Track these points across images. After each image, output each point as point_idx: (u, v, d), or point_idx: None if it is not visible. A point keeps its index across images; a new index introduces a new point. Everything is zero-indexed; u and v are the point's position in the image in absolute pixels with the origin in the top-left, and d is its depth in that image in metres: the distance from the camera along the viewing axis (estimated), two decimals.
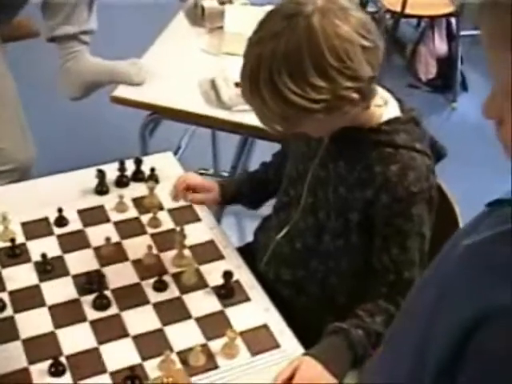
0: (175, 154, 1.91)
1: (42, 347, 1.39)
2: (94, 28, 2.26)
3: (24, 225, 1.66)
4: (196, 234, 1.68)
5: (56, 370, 1.35)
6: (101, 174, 1.77)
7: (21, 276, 1.54)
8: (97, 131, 3.10)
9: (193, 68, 2.22)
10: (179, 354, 1.40)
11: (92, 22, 2.27)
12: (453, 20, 3.82)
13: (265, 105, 1.29)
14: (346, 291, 1.51)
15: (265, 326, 1.48)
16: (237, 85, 2.04)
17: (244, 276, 1.58)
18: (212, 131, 2.87)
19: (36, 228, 1.66)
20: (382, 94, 1.41)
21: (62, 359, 1.37)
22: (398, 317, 1.06)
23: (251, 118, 2.01)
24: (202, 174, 2.96)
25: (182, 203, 1.73)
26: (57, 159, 2.29)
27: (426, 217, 1.40)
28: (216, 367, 1.39)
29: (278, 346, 1.44)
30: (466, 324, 0.78)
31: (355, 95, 1.28)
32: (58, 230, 1.66)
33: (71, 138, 2.93)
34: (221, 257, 1.63)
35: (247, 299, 1.53)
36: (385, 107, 1.41)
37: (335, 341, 1.39)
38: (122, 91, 2.14)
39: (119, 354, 1.40)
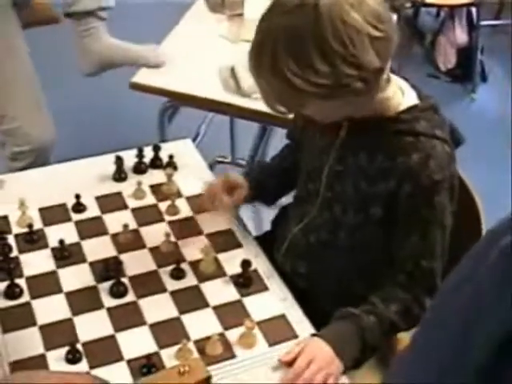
0: (193, 141, 1.90)
1: (58, 334, 1.39)
2: (112, 4, 2.24)
3: (42, 211, 1.65)
4: (214, 222, 1.67)
5: (72, 357, 1.34)
6: (119, 161, 1.76)
7: (38, 262, 1.54)
8: (116, 118, 3.09)
9: (212, 55, 2.20)
10: (196, 342, 1.39)
11: None
12: (473, 9, 3.79)
13: (267, 82, 1.28)
14: (364, 285, 1.49)
15: (282, 316, 1.46)
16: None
17: (262, 265, 1.57)
18: (230, 119, 2.85)
19: (54, 214, 1.65)
20: (398, 83, 1.40)
21: (79, 346, 1.36)
22: (426, 322, 1.00)
23: None
24: (219, 162, 2.95)
25: (199, 189, 1.72)
26: (75, 146, 2.28)
27: (447, 206, 1.39)
28: (233, 357, 1.38)
29: (295, 336, 1.43)
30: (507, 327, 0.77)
31: (359, 84, 1.25)
32: (75, 217, 1.65)
33: (90, 124, 2.93)
34: (239, 246, 1.62)
35: (265, 289, 1.52)
36: (402, 96, 1.39)
37: (344, 325, 1.39)
38: (141, 77, 2.12)
39: (136, 342, 1.39)
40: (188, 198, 1.71)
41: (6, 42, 2.16)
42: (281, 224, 1.69)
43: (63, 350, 1.35)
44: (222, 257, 1.58)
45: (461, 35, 3.86)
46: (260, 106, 2.01)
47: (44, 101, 2.28)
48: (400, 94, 1.39)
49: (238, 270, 1.52)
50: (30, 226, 1.57)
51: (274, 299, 1.50)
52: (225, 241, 1.62)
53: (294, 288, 1.55)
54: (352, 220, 1.45)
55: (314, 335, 1.39)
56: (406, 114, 1.37)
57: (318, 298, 1.56)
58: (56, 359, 1.34)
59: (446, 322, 0.88)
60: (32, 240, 1.58)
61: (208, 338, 1.38)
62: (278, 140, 2.71)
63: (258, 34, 1.29)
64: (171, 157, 1.80)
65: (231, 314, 1.45)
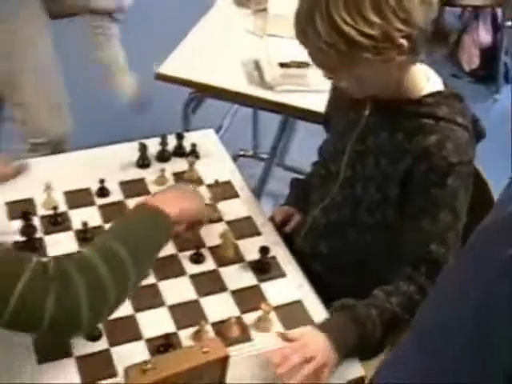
0: (217, 133, 1.93)
1: None
2: (127, 5, 2.30)
3: (67, 194, 1.69)
4: (234, 209, 1.70)
5: (93, 335, 1.38)
6: (143, 148, 1.80)
7: (61, 243, 1.57)
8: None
9: (236, 48, 2.23)
10: (213, 325, 1.43)
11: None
12: (498, 10, 3.79)
13: (318, 36, 1.30)
14: (383, 268, 1.51)
15: (299, 302, 1.49)
16: (281, 65, 2.06)
17: (280, 252, 1.60)
18: (253, 112, 2.88)
19: (78, 198, 1.69)
20: (424, 69, 1.43)
21: (99, 325, 1.40)
22: (429, 309, 1.00)
23: (294, 99, 2.05)
24: (241, 155, 2.98)
25: (222, 178, 1.75)
26: (101, 134, 2.31)
27: (461, 193, 1.41)
28: (249, 339, 1.41)
29: (311, 321, 1.45)
30: None
31: (404, 41, 1.29)
32: (99, 201, 1.69)
33: (115, 113, 2.96)
34: (257, 233, 1.65)
35: (283, 275, 1.55)
36: (427, 81, 1.42)
37: (340, 316, 1.40)
38: (167, 68, 2.16)
39: (155, 322, 1.42)
40: (209, 186, 1.74)
41: (28, 31, 2.20)
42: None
43: None
44: (241, 243, 1.61)
45: (485, 36, 3.86)
46: (283, 98, 2.06)
47: (65, 93, 2.32)
48: (425, 79, 1.43)
49: (256, 256, 1.55)
50: (55, 208, 1.61)
51: (291, 285, 1.53)
52: (244, 228, 1.66)
53: (311, 272, 1.58)
54: (372, 198, 1.48)
55: (314, 326, 1.40)
56: (429, 98, 1.41)
57: (335, 282, 1.58)
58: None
59: (454, 330, 0.87)
60: (56, 222, 1.62)
61: (225, 321, 1.41)
62: (301, 135, 2.76)
63: None
64: (194, 145, 1.84)
65: (249, 299, 1.48)
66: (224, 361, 1.27)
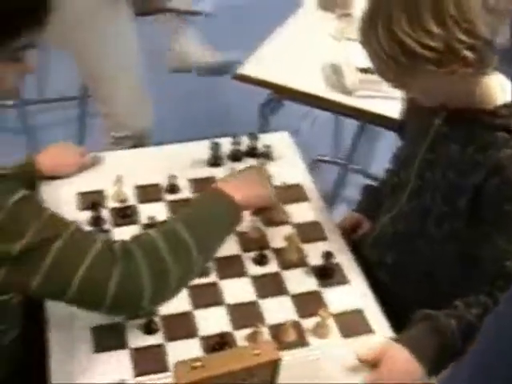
0: (294, 137, 1.91)
1: None
2: (207, 10, 2.33)
3: (137, 188, 1.71)
4: (302, 213, 1.68)
5: (149, 328, 1.39)
6: (215, 147, 1.80)
7: (129, 235, 1.57)
8: (219, 107, 3.15)
9: (318, 51, 2.21)
10: (270, 327, 1.41)
11: (206, 4, 2.33)
12: None
13: (379, 46, 1.27)
14: (450, 280, 1.47)
15: (360, 311, 1.46)
16: (361, 71, 2.03)
17: (345, 259, 1.57)
18: (335, 118, 2.85)
19: (148, 192, 1.71)
20: (499, 77, 1.37)
21: (157, 319, 1.40)
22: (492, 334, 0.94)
23: (372, 104, 2.01)
24: (320, 160, 2.95)
25: (292, 181, 1.74)
26: (177, 131, 2.33)
27: None
28: (306, 344, 1.39)
29: (370, 331, 1.42)
30: None
31: (468, 53, 1.24)
32: (168, 197, 1.70)
33: (193, 111, 3.01)
34: (324, 238, 1.62)
35: (346, 282, 1.52)
36: (502, 91, 1.36)
37: (422, 326, 1.36)
38: (245, 69, 2.15)
39: (212, 321, 1.42)
40: (279, 188, 1.72)
41: (113, 28, 2.25)
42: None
43: (141, 321, 1.39)
44: (306, 247, 1.59)
45: None
46: (361, 103, 2.03)
47: (144, 89, 2.36)
48: (500, 89, 1.36)
49: (320, 261, 1.53)
50: (124, 201, 1.63)
51: (354, 293, 1.50)
52: (311, 232, 1.63)
53: (376, 281, 1.54)
54: (440, 209, 1.43)
55: (394, 340, 1.36)
56: (503, 109, 1.35)
57: (401, 292, 1.55)
58: (134, 329, 1.39)
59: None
60: (125, 215, 1.63)
61: (282, 324, 1.39)
62: (386, 141, 2.70)
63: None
64: (267, 147, 1.82)
65: (308, 304, 1.46)
66: (275, 364, 1.25)
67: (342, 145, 2.95)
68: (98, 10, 2.20)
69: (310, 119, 2.82)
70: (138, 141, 2.37)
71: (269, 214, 1.57)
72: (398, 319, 1.45)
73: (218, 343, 1.35)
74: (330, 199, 2.60)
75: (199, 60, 2.48)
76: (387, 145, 1.74)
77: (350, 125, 2.43)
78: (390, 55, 1.27)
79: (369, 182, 1.97)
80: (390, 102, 1.88)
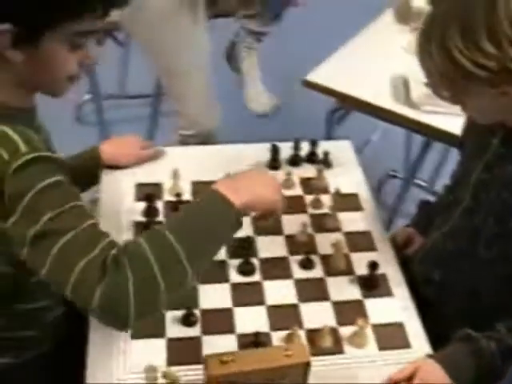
0: (362, 148, 1.90)
1: (180, 297, 1.45)
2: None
3: (193, 184, 1.74)
4: (354, 222, 1.67)
5: (188, 321, 1.41)
6: (274, 149, 1.81)
7: None
8: (287, 113, 3.18)
9: (388, 63, 2.19)
10: (307, 331, 1.41)
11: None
12: None
13: (433, 62, 1.26)
14: (495, 300, 1.44)
15: (400, 324, 1.44)
16: (427, 85, 2.00)
17: (392, 271, 1.56)
18: (406, 133, 2.82)
19: (203, 188, 1.72)
20: None
21: (197, 312, 1.43)
22: None
23: (437, 120, 1.98)
24: (392, 176, 2.93)
25: (348, 189, 1.74)
26: (241, 133, 2.35)
27: None
28: (341, 352, 1.39)
29: (408, 346, 1.40)
30: None
31: None
32: None
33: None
34: (373, 249, 1.61)
35: (389, 294, 1.51)
36: None
37: (461, 347, 1.34)
38: (313, 76, 2.16)
39: (250, 319, 1.43)
40: (333, 195, 1.72)
41: (191, 27, 2.31)
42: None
43: (181, 312, 1.42)
44: (354, 256, 1.59)
45: None
46: (426, 118, 2.00)
47: (213, 89, 2.40)
48: None
49: (366, 271, 1.52)
50: (179, 195, 1.66)
51: (396, 306, 1.48)
52: (360, 241, 1.63)
53: (421, 297, 1.53)
54: (491, 231, 1.40)
55: (429, 356, 1.35)
56: None
57: (444, 309, 1.53)
58: (173, 319, 1.42)
59: None
60: (178, 208, 1.66)
61: (319, 330, 1.39)
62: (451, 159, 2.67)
63: (430, 13, 1.29)
64: (326, 154, 1.83)
65: (348, 312, 1.45)
66: (306, 367, 1.25)
67: (411, 159, 2.92)
68: (178, 9, 2.26)
69: (381, 131, 2.80)
70: (204, 140, 2.41)
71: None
72: (438, 338, 1.43)
73: (253, 342, 1.36)
74: (391, 213, 2.58)
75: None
76: (455, 161, 1.71)
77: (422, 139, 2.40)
78: (444, 73, 1.26)
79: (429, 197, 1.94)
80: (455, 118, 1.85)
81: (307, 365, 1.25)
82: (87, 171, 1.69)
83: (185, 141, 2.45)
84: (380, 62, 2.19)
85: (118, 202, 1.68)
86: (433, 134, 2.03)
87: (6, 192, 1.12)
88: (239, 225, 1.24)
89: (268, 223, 1.43)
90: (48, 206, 1.11)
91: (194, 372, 1.30)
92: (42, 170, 1.14)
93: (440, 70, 1.26)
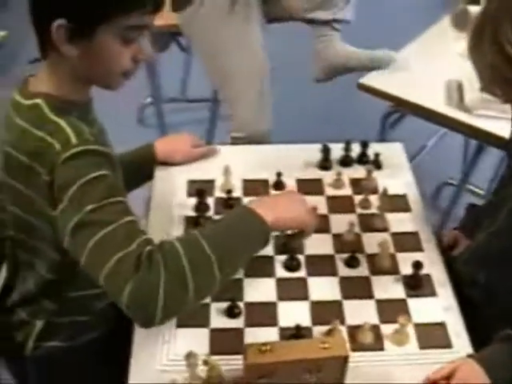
0: (418, 153, 1.91)
1: (225, 291, 1.48)
2: (349, 18, 2.35)
3: (244, 181, 1.78)
4: (402, 222, 1.68)
5: (232, 312, 1.45)
6: (325, 150, 1.84)
7: None
8: (343, 115, 3.18)
9: (443, 69, 2.20)
10: (349, 327, 1.43)
11: (347, 12, 2.35)
12: None
13: (486, 59, 1.27)
14: None
15: (442, 324, 1.45)
16: (481, 89, 2.00)
17: (437, 272, 1.56)
18: (465, 139, 2.80)
19: (254, 186, 1.77)
20: None
21: (241, 304, 1.46)
22: None
23: (490, 125, 1.98)
24: (448, 183, 2.92)
25: (397, 191, 1.76)
26: (293, 133, 2.38)
27: None
28: (381, 349, 1.40)
29: (449, 346, 1.41)
30: None
31: None
32: (273, 192, 1.75)
33: (311, 115, 3.05)
34: (420, 249, 1.62)
35: (433, 294, 1.51)
36: None
37: (502, 347, 1.33)
38: (368, 79, 2.18)
39: (293, 314, 1.45)
40: (382, 196, 1.74)
41: (241, 32, 2.33)
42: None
43: (225, 304, 1.45)
44: (400, 256, 1.59)
45: None
46: (479, 122, 2.00)
47: (268, 92, 2.42)
48: None
49: (411, 271, 1.53)
50: (229, 191, 1.70)
51: (439, 306, 1.49)
52: (407, 242, 1.63)
53: (466, 298, 1.53)
54: None
55: (468, 356, 1.35)
56: None
57: (489, 309, 1.52)
58: (217, 310, 1.45)
59: None
60: (228, 205, 1.70)
61: (361, 326, 1.41)
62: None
63: (481, 11, 1.30)
64: (377, 155, 1.84)
65: (391, 310, 1.46)
66: (343, 361, 1.27)
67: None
68: (231, 9, 2.29)
69: (437, 137, 2.79)
70: (255, 142, 2.43)
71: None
72: (480, 339, 1.43)
73: (294, 335, 1.39)
74: (444, 217, 2.57)
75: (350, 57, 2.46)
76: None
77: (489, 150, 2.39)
78: (497, 68, 1.26)
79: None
80: (507, 123, 1.85)
81: (345, 360, 1.26)
82: (142, 167, 1.75)
83: (236, 143, 2.47)
84: (435, 68, 2.20)
85: (170, 197, 1.73)
86: (485, 139, 2.02)
87: (55, 181, 1.18)
88: (268, 240, 1.31)
89: (298, 243, 1.53)
90: (91, 198, 1.16)
91: (235, 362, 1.33)
92: (89, 162, 1.19)
93: (493, 65, 1.26)
